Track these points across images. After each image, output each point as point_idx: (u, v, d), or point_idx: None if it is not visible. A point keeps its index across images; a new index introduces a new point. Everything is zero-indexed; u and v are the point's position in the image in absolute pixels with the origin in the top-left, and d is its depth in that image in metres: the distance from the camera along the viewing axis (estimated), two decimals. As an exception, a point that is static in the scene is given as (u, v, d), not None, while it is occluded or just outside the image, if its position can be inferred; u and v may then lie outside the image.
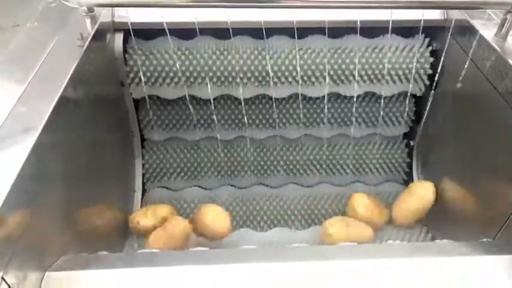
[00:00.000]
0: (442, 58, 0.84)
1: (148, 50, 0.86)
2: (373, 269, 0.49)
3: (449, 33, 0.81)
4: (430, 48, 0.88)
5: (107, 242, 0.76)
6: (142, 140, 0.99)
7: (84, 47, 0.67)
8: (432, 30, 0.87)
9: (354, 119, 0.96)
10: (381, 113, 0.95)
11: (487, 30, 0.72)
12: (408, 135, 1.01)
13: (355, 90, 0.90)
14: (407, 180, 1.01)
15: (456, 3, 0.72)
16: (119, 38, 0.84)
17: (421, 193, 0.86)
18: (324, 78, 0.88)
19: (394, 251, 0.55)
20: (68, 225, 0.60)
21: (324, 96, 0.92)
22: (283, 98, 0.93)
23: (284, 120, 0.96)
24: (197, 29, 0.80)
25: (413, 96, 0.94)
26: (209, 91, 0.88)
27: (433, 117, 0.90)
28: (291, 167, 1.01)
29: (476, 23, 0.75)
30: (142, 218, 0.82)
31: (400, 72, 0.89)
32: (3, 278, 0.41)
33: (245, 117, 0.95)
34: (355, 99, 0.93)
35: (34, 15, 0.74)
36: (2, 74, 0.60)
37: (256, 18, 0.80)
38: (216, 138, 0.97)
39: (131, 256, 0.59)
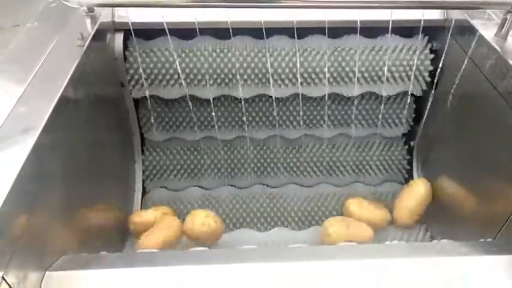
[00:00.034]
0: (442, 58, 0.84)
1: (148, 50, 0.86)
2: (373, 269, 0.49)
3: (449, 33, 0.81)
4: (430, 48, 0.88)
5: (107, 242, 0.76)
6: (143, 140, 0.99)
7: (85, 47, 0.67)
8: (432, 30, 0.87)
9: (354, 119, 0.96)
10: (381, 113, 0.95)
11: (487, 30, 0.72)
12: (408, 135, 1.01)
13: (355, 90, 0.90)
14: (408, 180, 1.01)
15: (456, 3, 0.72)
16: (119, 38, 0.84)
17: (416, 190, 0.87)
18: (324, 78, 0.88)
19: (394, 251, 0.55)
20: (68, 225, 0.60)
21: (324, 96, 0.92)
22: (283, 98, 0.93)
23: (284, 120, 0.96)
24: (197, 29, 0.80)
25: (414, 96, 0.94)
26: (209, 91, 0.89)
27: (433, 117, 0.90)
28: (291, 167, 1.01)
29: (476, 23, 0.75)
30: (143, 214, 0.82)
31: (400, 72, 0.89)
32: (3, 278, 0.41)
33: (245, 117, 0.95)
34: (355, 99, 0.93)
35: (34, 15, 0.74)
36: (2, 74, 0.60)
37: (256, 18, 0.80)
38: (216, 138, 0.97)
39: (131, 256, 0.59)
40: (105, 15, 0.77)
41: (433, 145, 0.93)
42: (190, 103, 0.91)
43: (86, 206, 0.68)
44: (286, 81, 0.89)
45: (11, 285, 0.42)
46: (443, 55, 0.84)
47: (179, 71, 0.86)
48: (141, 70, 0.85)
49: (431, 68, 0.89)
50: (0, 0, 1.88)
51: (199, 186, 1.01)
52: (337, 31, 0.88)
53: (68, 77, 0.60)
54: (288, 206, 0.97)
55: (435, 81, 0.89)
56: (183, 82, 0.87)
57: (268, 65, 0.86)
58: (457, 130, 0.82)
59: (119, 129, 0.91)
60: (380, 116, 0.96)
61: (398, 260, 0.51)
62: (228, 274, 0.49)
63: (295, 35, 0.84)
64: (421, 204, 0.87)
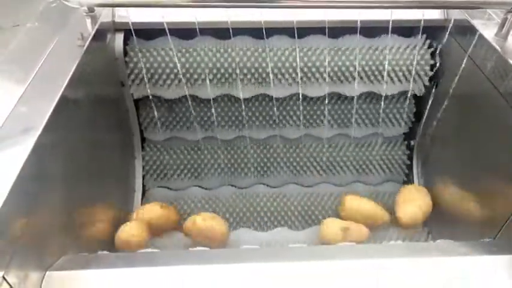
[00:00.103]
0: (442, 58, 0.84)
1: (148, 50, 0.86)
2: (373, 269, 0.49)
3: (450, 33, 0.81)
4: (430, 48, 0.88)
5: (107, 242, 0.76)
6: (143, 139, 0.99)
7: (85, 47, 0.67)
8: (432, 30, 0.87)
9: (354, 119, 0.96)
10: (381, 112, 0.95)
11: (488, 30, 0.72)
12: (408, 135, 1.01)
13: (355, 90, 0.90)
14: (408, 180, 1.01)
15: (456, 3, 0.71)
16: (119, 38, 0.84)
17: (421, 200, 0.86)
18: (324, 78, 0.88)
19: (394, 251, 0.55)
20: (68, 225, 0.60)
21: (324, 96, 0.92)
22: (283, 98, 0.93)
23: (284, 120, 0.96)
24: (197, 29, 0.80)
25: (414, 96, 0.94)
26: (209, 91, 0.89)
27: (434, 117, 0.90)
28: (291, 166, 1.01)
29: (476, 23, 0.74)
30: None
31: (401, 72, 0.89)
32: (4, 278, 0.41)
33: (245, 117, 0.95)
34: (355, 99, 0.93)
35: (34, 15, 0.74)
36: (2, 74, 0.61)
37: (256, 18, 0.80)
38: (216, 138, 0.97)
39: (131, 256, 0.59)
40: (105, 15, 0.77)
41: (433, 145, 0.93)
42: (190, 103, 0.91)
43: (86, 206, 0.68)
44: (286, 81, 0.89)
45: (12, 285, 0.42)
46: (444, 55, 0.84)
47: (179, 71, 0.86)
48: (141, 70, 0.85)
49: (431, 67, 0.89)
50: (0, 0, 1.88)
51: (200, 186, 1.01)
52: (337, 31, 0.88)
53: (68, 77, 0.60)
54: (289, 206, 0.97)
55: (435, 80, 0.89)
56: (183, 82, 0.87)
57: (269, 65, 0.86)
58: (457, 130, 0.82)
59: (119, 129, 0.91)
60: (380, 116, 0.96)
61: (398, 260, 0.51)
62: (229, 274, 0.49)
63: (296, 35, 0.84)
64: (426, 213, 0.86)
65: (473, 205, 0.75)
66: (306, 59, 0.87)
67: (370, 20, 0.83)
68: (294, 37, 0.85)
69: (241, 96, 0.90)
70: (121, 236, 0.76)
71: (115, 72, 0.85)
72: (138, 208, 0.92)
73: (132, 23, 0.81)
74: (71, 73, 0.60)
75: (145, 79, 0.86)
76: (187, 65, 0.86)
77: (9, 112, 0.53)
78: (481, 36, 0.72)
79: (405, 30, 0.89)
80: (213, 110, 0.93)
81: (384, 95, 0.91)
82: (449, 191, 0.84)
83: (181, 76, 0.86)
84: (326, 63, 0.87)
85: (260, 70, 0.87)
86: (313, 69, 0.88)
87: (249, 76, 0.88)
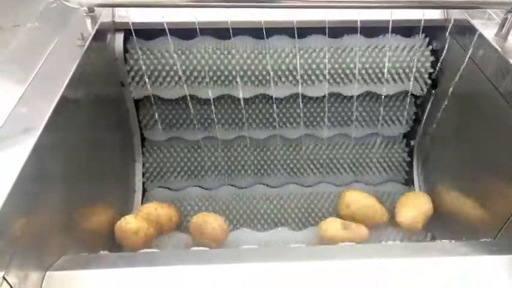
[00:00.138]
0: (443, 58, 0.84)
1: (148, 50, 0.86)
2: (373, 269, 0.49)
3: (450, 33, 0.81)
4: (430, 47, 0.88)
5: (107, 242, 0.76)
6: (143, 140, 0.99)
7: (85, 47, 0.67)
8: (432, 30, 0.87)
9: (354, 119, 0.96)
10: (381, 112, 0.95)
11: (488, 30, 0.72)
12: (408, 135, 1.01)
13: (355, 90, 0.90)
14: (408, 180, 1.01)
15: (456, 3, 0.72)
16: (119, 38, 0.84)
17: (422, 206, 0.86)
18: (324, 78, 0.88)
19: (394, 251, 0.55)
20: (68, 225, 0.60)
21: (324, 96, 0.92)
22: (283, 98, 0.94)
23: (284, 120, 0.96)
24: (197, 29, 0.80)
25: (414, 96, 0.94)
26: (209, 91, 0.89)
27: (434, 117, 0.90)
28: (291, 166, 1.01)
29: (476, 23, 0.74)
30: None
31: (401, 72, 0.89)
32: (4, 278, 0.41)
33: (245, 117, 0.95)
34: (355, 99, 0.93)
35: (34, 16, 0.74)
36: (2, 74, 0.61)
37: (256, 18, 0.80)
38: (216, 138, 0.97)
39: (131, 256, 0.59)
40: (105, 16, 0.77)
41: (433, 145, 0.93)
42: (190, 103, 0.91)
43: (86, 206, 0.68)
44: (286, 81, 0.89)
45: (12, 285, 0.42)
46: (444, 55, 0.84)
47: (179, 71, 0.86)
48: (141, 70, 0.85)
49: (431, 67, 0.89)
50: (0, 0, 1.88)
51: (199, 186, 1.01)
52: (337, 31, 0.88)
53: (69, 77, 0.60)
54: (288, 206, 0.97)
55: (435, 80, 0.89)
56: (183, 82, 0.87)
57: (269, 65, 0.86)
58: (457, 130, 0.82)
59: (119, 129, 0.91)
60: (380, 116, 0.96)
61: (398, 260, 0.51)
62: (228, 274, 0.49)
63: (296, 35, 0.84)
64: (427, 216, 0.86)
65: (473, 205, 0.75)
66: (306, 59, 0.87)
67: (370, 20, 0.83)
68: (294, 37, 0.85)
69: (241, 96, 0.90)
70: (122, 224, 0.76)
71: (115, 72, 0.85)
72: (138, 208, 0.93)
73: (132, 23, 0.81)
74: (71, 73, 0.61)
75: (145, 79, 0.86)
76: (187, 65, 0.86)
77: (9, 112, 0.53)
78: (481, 36, 0.72)
79: (405, 30, 0.89)
80: (213, 110, 0.93)
81: (384, 95, 0.91)
82: (449, 191, 0.84)
83: (181, 76, 0.86)
84: (326, 63, 0.87)
85: (260, 70, 0.87)
86: (313, 69, 0.88)
87: (249, 76, 0.88)
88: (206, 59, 0.86)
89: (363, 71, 0.88)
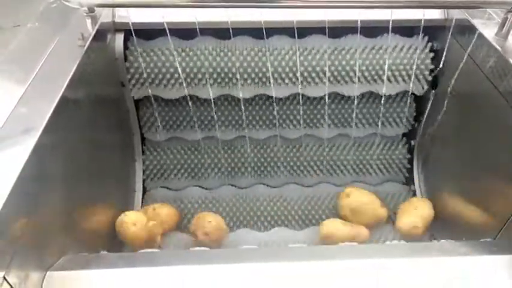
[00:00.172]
0: (443, 57, 0.84)
1: (148, 50, 0.86)
2: (373, 269, 0.49)
3: (450, 33, 0.81)
4: (430, 47, 0.88)
5: (107, 242, 0.76)
6: (143, 140, 0.99)
7: (85, 47, 0.67)
8: (432, 30, 0.87)
9: (354, 119, 0.96)
10: (381, 112, 0.95)
11: (488, 30, 0.72)
12: (409, 135, 1.01)
13: (355, 89, 0.90)
14: (408, 180, 1.01)
15: (456, 3, 0.72)
16: (119, 38, 0.84)
17: (424, 212, 0.85)
18: (324, 77, 0.88)
19: (394, 251, 0.55)
20: (68, 225, 0.60)
21: (324, 96, 0.92)
22: (284, 98, 0.94)
23: (284, 120, 0.96)
24: (197, 29, 0.80)
25: (414, 95, 0.94)
26: (209, 91, 0.89)
27: (434, 117, 0.90)
28: (291, 166, 1.01)
29: (476, 23, 0.74)
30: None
31: (401, 72, 0.89)
32: (5, 278, 0.41)
33: (245, 117, 0.95)
34: (355, 99, 0.93)
35: (35, 16, 0.75)
36: (2, 74, 0.61)
37: (256, 18, 0.80)
38: (217, 138, 0.97)
39: (132, 256, 0.59)
40: (105, 16, 0.77)
41: (433, 145, 0.93)
42: (190, 103, 0.91)
43: (86, 206, 0.68)
44: (287, 81, 0.89)
45: (13, 285, 0.42)
46: (444, 54, 0.84)
47: (179, 71, 0.86)
48: (141, 70, 0.85)
49: (431, 67, 0.89)
50: (0, 0, 1.88)
51: (200, 186, 1.01)
52: (337, 31, 0.88)
53: (69, 77, 0.60)
54: (288, 206, 0.97)
55: (435, 80, 0.88)
56: (183, 82, 0.87)
57: (269, 64, 0.86)
58: (457, 130, 0.82)
59: (120, 129, 0.91)
60: (380, 116, 0.96)
61: (398, 260, 0.51)
62: (229, 274, 0.49)
63: (296, 35, 0.84)
64: (428, 222, 0.86)
65: (474, 205, 0.75)
66: (306, 59, 0.87)
67: (370, 20, 0.83)
68: (294, 37, 0.85)
69: (241, 96, 0.90)
70: (121, 217, 0.77)
71: (115, 73, 0.85)
72: (138, 208, 0.93)
73: (132, 23, 0.81)
74: (71, 73, 0.61)
75: (146, 79, 0.87)
76: (187, 65, 0.86)
77: (9, 112, 0.53)
78: (481, 36, 0.72)
79: (405, 30, 0.89)
80: (213, 110, 0.93)
81: (384, 95, 0.91)
82: (449, 191, 0.84)
83: (181, 76, 0.86)
84: (326, 63, 0.87)
85: (260, 70, 0.87)
86: (313, 69, 0.88)
87: (249, 76, 0.88)
88: (206, 59, 0.86)
89: (363, 71, 0.88)
